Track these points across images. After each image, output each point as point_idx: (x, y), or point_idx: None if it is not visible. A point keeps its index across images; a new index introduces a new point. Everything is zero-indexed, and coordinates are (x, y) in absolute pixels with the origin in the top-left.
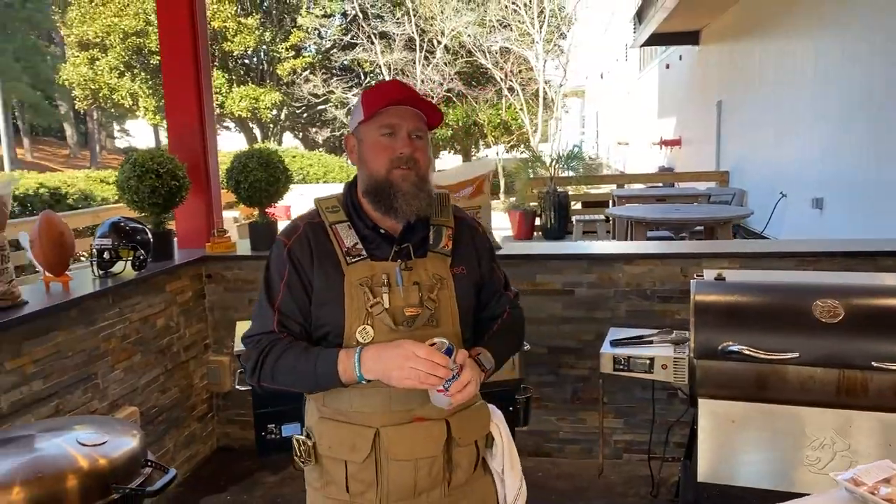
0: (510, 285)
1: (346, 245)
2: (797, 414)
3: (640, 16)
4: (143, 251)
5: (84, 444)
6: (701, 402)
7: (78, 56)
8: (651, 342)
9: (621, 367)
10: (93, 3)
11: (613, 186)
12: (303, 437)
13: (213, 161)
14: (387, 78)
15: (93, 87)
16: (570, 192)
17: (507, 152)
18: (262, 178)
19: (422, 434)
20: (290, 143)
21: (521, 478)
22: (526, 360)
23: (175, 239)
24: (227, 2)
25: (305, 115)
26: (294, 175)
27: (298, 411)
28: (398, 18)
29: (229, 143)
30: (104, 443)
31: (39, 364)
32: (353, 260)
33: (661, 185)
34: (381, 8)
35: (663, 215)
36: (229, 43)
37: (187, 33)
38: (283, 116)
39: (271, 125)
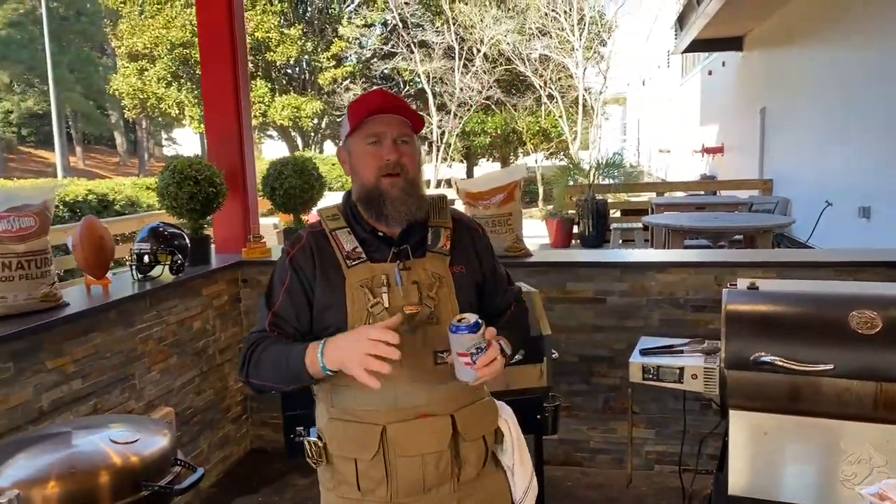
0: (512, 281)
1: (345, 249)
2: (832, 427)
3: (681, 22)
4: (180, 256)
5: (116, 442)
6: (732, 413)
7: (128, 67)
8: (681, 352)
9: (650, 376)
10: (142, 16)
11: (653, 195)
12: (314, 439)
13: (249, 168)
14: (426, 87)
15: (141, 96)
16: (609, 201)
17: (547, 160)
18: (296, 185)
19: (427, 430)
20: (331, 151)
21: (531, 472)
22: (556, 368)
23: (213, 244)
24: (270, 13)
25: None
26: (333, 182)
27: None
28: (438, 27)
29: (272, 152)
30: (136, 441)
31: (79, 364)
32: (353, 263)
33: (702, 193)
34: (420, 17)
35: (701, 224)
36: (272, 53)
37: (226, 45)
38: (323, 125)
39: (312, 133)
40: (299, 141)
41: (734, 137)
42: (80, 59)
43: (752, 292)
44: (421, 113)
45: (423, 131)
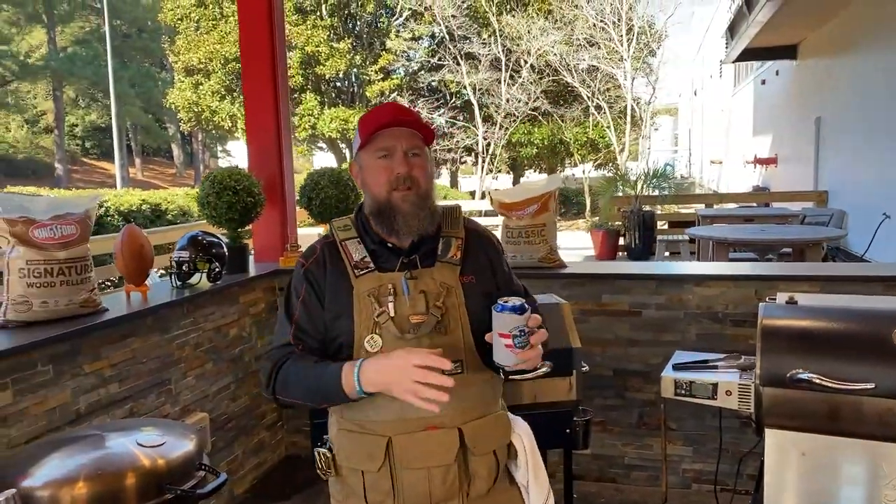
0: (530, 294)
1: (354, 259)
2: (874, 449)
3: (732, 31)
4: (217, 264)
5: (143, 445)
6: (768, 432)
7: (183, 81)
8: (716, 367)
9: (683, 392)
10: (198, 32)
11: (702, 206)
12: (324, 450)
13: (288, 179)
14: (472, 98)
15: (196, 110)
16: (657, 212)
17: (595, 171)
18: (332, 196)
19: (434, 442)
20: None
21: (547, 490)
22: (589, 381)
23: (252, 253)
24: (320, 28)
25: None
26: None
27: None
28: (484, 39)
29: (323, 163)
30: (162, 444)
31: (116, 368)
32: (361, 272)
33: (754, 205)
34: (467, 30)
35: (747, 236)
36: (322, 67)
37: (266, 61)
38: None
39: None
40: (347, 152)
41: (788, 148)
42: (141, 74)
43: (791, 307)
44: (465, 124)
45: (469, 142)
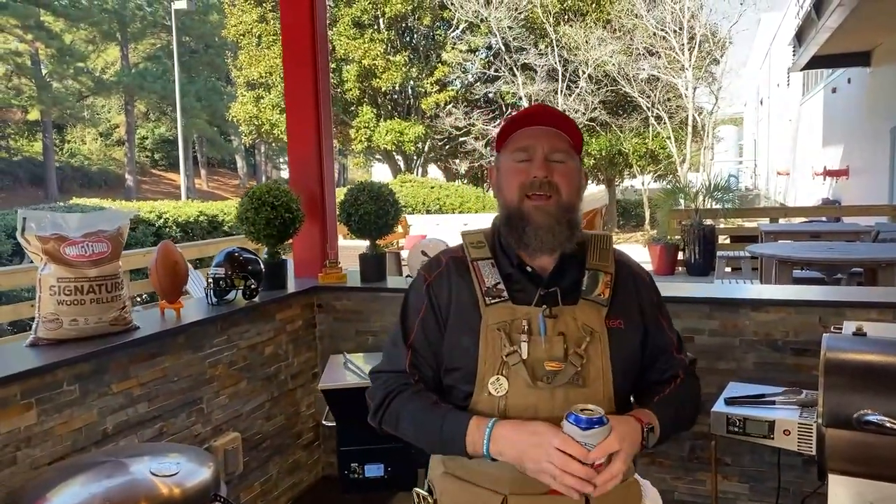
0: (684, 349)
1: (486, 284)
2: None
3: (799, 37)
4: (253, 280)
5: (156, 475)
6: (831, 477)
7: (245, 95)
8: (773, 402)
9: (736, 429)
10: (259, 47)
11: (767, 220)
12: (423, 493)
13: (329, 194)
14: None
15: (256, 123)
16: (721, 226)
17: (654, 182)
18: (371, 211)
19: None
20: (433, 174)
21: None
22: None
23: (293, 269)
24: (377, 41)
25: (448, 146)
26: (431, 205)
27: (383, 453)
28: (541, 50)
29: (381, 175)
30: (175, 474)
31: (146, 387)
32: (493, 301)
33: (823, 219)
34: (523, 40)
35: (813, 254)
36: (378, 80)
37: (309, 77)
38: (426, 148)
39: (415, 157)
40: (402, 164)
41: (860, 159)
42: (207, 88)
43: (858, 338)
44: None
45: None
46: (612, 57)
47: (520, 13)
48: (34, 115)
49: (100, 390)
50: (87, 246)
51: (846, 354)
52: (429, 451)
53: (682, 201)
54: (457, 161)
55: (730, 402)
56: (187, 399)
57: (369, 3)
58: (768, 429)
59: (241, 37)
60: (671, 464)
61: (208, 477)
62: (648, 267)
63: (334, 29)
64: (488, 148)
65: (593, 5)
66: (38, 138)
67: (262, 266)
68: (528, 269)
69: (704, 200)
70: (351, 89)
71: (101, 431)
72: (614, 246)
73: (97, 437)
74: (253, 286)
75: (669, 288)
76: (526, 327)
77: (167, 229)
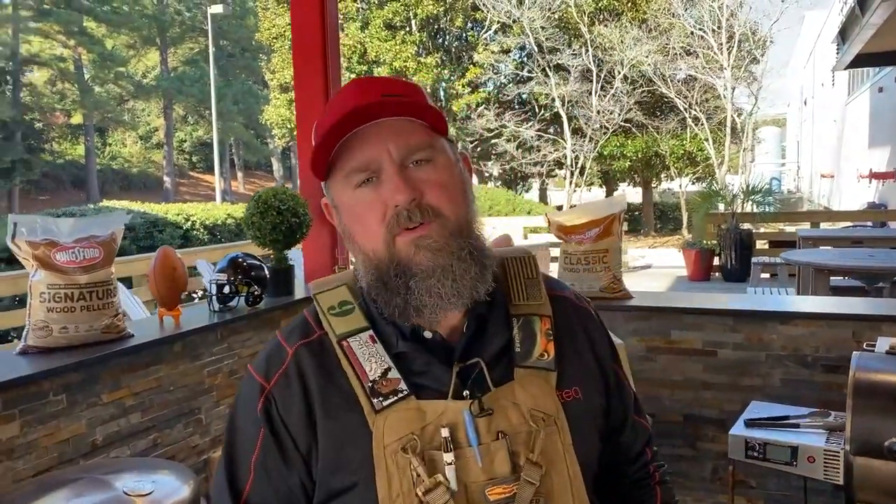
0: (642, 408)
1: (370, 375)
2: None
3: (843, 35)
4: (257, 287)
5: (129, 494)
6: None
7: (278, 98)
8: (797, 425)
9: (756, 454)
10: (292, 51)
11: (808, 225)
12: None
13: None
14: (562, 112)
15: (289, 126)
16: (763, 230)
17: (693, 185)
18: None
19: None
20: None
21: None
22: (656, 427)
23: (302, 275)
24: (409, 43)
25: (479, 149)
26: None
27: None
28: (575, 50)
29: None
30: (150, 493)
31: (139, 397)
32: (386, 403)
33: (869, 224)
34: (556, 41)
35: (852, 262)
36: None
37: (319, 80)
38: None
39: None
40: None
41: None
42: (243, 91)
43: (892, 357)
44: (553, 137)
45: (557, 155)
46: (647, 57)
47: (553, 13)
48: (77, 118)
49: (89, 400)
50: (79, 252)
51: (878, 375)
52: None
53: (720, 205)
54: (489, 163)
55: (750, 423)
56: (183, 409)
57: (401, 5)
58: (791, 455)
59: (274, 40)
60: (692, 485)
61: (186, 496)
62: (682, 273)
63: (366, 31)
64: (519, 150)
65: (629, 5)
66: (80, 142)
67: (267, 272)
68: (427, 334)
69: (743, 204)
70: None
71: (90, 443)
72: (547, 271)
73: (86, 449)
74: (256, 293)
75: (691, 299)
76: (448, 439)
77: (195, 232)
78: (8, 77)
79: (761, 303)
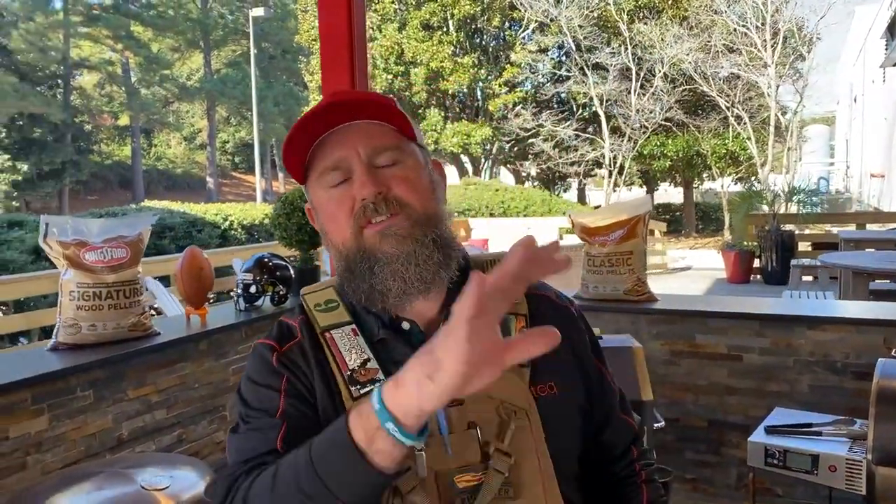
0: (628, 406)
1: (349, 365)
2: None
3: (892, 30)
4: (282, 287)
5: (145, 488)
6: None
7: (317, 100)
8: (820, 433)
9: (775, 461)
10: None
11: (854, 226)
12: None
13: None
14: (600, 111)
15: None
16: (807, 232)
17: (735, 184)
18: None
19: None
20: (504, 177)
21: None
22: (679, 432)
23: (329, 275)
24: (446, 43)
25: (516, 148)
26: (495, 208)
27: None
28: (613, 49)
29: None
30: (166, 488)
31: (164, 394)
32: (363, 391)
33: None
34: (594, 39)
35: (890, 265)
36: (445, 82)
37: (346, 82)
38: (495, 150)
39: (482, 159)
40: (469, 166)
41: None
42: (284, 93)
43: None
44: (591, 136)
45: (595, 155)
46: (688, 55)
47: (591, 11)
48: (124, 120)
49: (115, 396)
50: (107, 251)
51: None
52: None
53: (764, 207)
54: (526, 163)
55: (770, 430)
56: (208, 406)
57: (438, 5)
58: (812, 463)
59: (313, 42)
60: (715, 491)
61: (202, 490)
62: (721, 275)
63: (403, 32)
64: (556, 149)
65: (670, 2)
66: (127, 143)
67: (292, 272)
68: (405, 325)
69: (787, 205)
70: (418, 92)
71: (116, 438)
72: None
73: (112, 444)
74: (282, 292)
75: (716, 302)
76: None
77: (232, 231)
78: (59, 81)
79: (789, 307)
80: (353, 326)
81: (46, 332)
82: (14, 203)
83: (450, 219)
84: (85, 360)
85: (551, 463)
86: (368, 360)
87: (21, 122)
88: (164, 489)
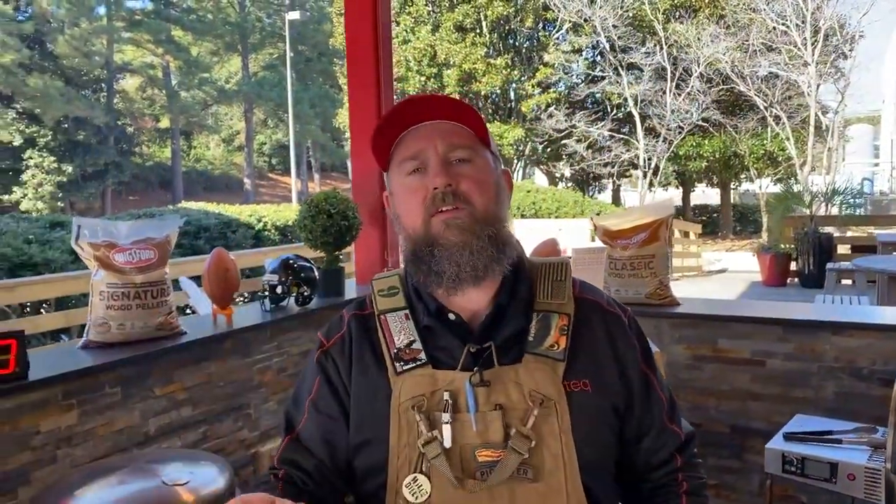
0: (679, 417)
1: (396, 344)
2: None
3: None
4: (306, 288)
5: (165, 483)
6: None
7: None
8: (839, 441)
9: (793, 469)
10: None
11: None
12: None
13: None
14: (635, 112)
15: None
16: (849, 234)
17: (774, 185)
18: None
19: None
20: (538, 178)
21: None
22: (702, 438)
23: (353, 277)
24: (478, 45)
25: (549, 149)
26: (526, 210)
27: None
28: (648, 49)
29: None
30: (186, 482)
31: (190, 391)
32: (406, 367)
33: None
34: (629, 39)
35: None
36: (478, 83)
37: (372, 95)
38: (527, 151)
39: (515, 160)
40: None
41: None
42: (320, 95)
43: None
44: (625, 136)
45: (629, 156)
46: (725, 54)
47: (625, 11)
48: (164, 123)
49: (142, 393)
50: (135, 253)
51: None
52: None
53: (805, 210)
54: (559, 164)
55: (789, 437)
56: (233, 404)
57: (472, 6)
58: (830, 471)
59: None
60: (738, 497)
61: (221, 487)
62: (756, 277)
63: (436, 34)
64: (590, 150)
65: (706, 1)
66: (167, 145)
67: (316, 273)
68: (451, 315)
69: (827, 206)
70: (451, 93)
71: (143, 434)
72: (575, 275)
73: (139, 439)
74: (306, 293)
75: (739, 307)
76: (448, 403)
77: (266, 232)
78: (103, 84)
79: (813, 312)
80: (407, 311)
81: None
82: (59, 203)
83: (510, 222)
84: (114, 357)
85: (575, 454)
86: (414, 341)
87: (66, 125)
88: (184, 484)
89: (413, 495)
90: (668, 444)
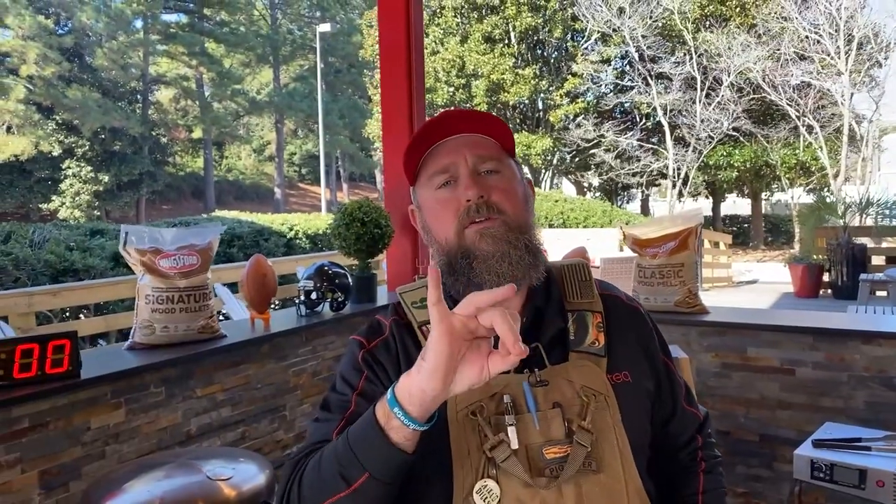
0: (694, 399)
1: None
2: None
3: None
4: (340, 294)
5: (210, 478)
6: None
7: (380, 113)
8: (869, 448)
9: (822, 475)
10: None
11: None
12: None
13: None
14: (664, 121)
15: None
16: (885, 245)
17: (806, 195)
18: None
19: None
20: (566, 188)
21: None
22: (731, 446)
23: (385, 283)
24: (507, 55)
25: (577, 159)
26: (554, 219)
27: None
28: (678, 58)
29: None
30: (229, 478)
31: (229, 392)
32: None
33: None
34: (658, 49)
35: None
36: (506, 94)
37: (404, 106)
38: (555, 161)
39: (543, 170)
40: (529, 177)
41: None
42: (349, 106)
43: None
44: (654, 146)
45: (658, 165)
46: (756, 63)
47: (655, 21)
48: (197, 133)
49: (185, 394)
50: (180, 258)
51: None
52: (334, 490)
53: (838, 220)
54: (588, 174)
55: (818, 444)
56: (270, 406)
57: (500, 18)
58: (859, 478)
59: (377, 55)
60: None
61: (262, 483)
62: (788, 288)
63: (465, 45)
64: (618, 160)
65: (737, 10)
66: (200, 155)
67: (350, 280)
68: None
69: (862, 217)
70: (479, 104)
71: (185, 432)
72: (599, 277)
73: (181, 438)
74: (340, 299)
75: (766, 315)
76: (510, 405)
77: (297, 240)
78: (138, 96)
79: (843, 321)
80: None
81: (123, 335)
82: (96, 212)
83: (538, 230)
84: (158, 359)
85: (628, 443)
86: None
87: (103, 136)
88: (227, 479)
89: (484, 500)
90: (690, 426)
